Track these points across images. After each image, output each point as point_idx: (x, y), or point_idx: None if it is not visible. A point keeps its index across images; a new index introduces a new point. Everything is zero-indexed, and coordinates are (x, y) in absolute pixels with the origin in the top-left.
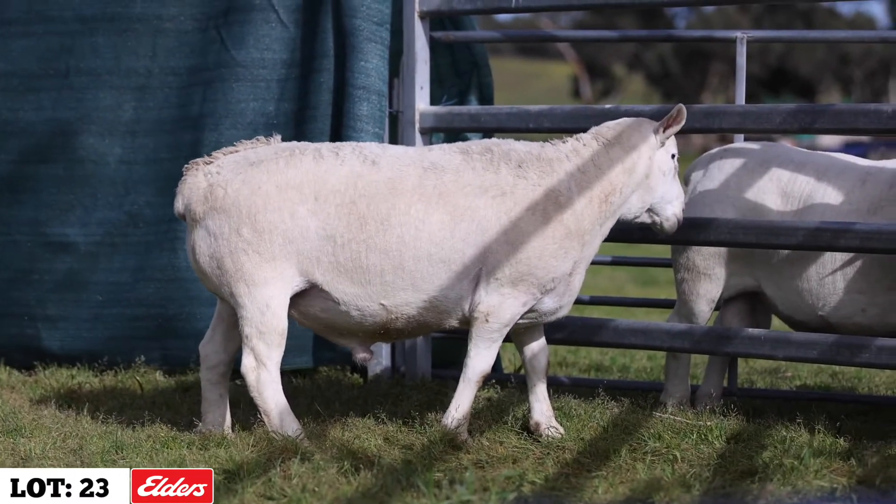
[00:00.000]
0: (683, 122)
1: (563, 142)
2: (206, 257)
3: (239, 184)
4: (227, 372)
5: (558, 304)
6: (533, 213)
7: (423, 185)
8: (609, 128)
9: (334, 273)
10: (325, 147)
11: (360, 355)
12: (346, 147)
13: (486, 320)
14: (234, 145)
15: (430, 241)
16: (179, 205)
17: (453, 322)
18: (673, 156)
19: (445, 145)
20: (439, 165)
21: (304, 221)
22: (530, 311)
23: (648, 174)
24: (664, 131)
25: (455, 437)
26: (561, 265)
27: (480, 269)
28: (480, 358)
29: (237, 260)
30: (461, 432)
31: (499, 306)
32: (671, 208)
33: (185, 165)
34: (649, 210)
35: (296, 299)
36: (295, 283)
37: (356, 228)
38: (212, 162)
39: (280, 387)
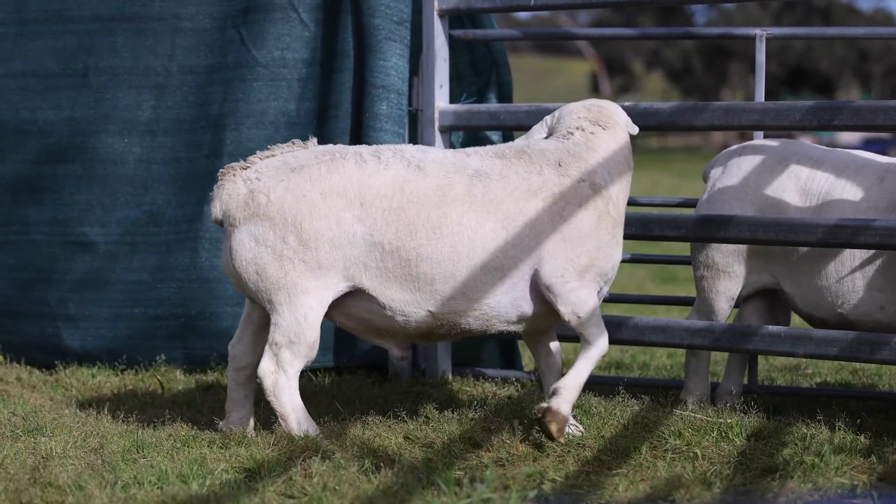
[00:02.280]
0: None
1: (571, 134)
2: (246, 262)
3: (282, 191)
4: (254, 374)
5: (603, 294)
6: (584, 209)
7: (472, 193)
8: (597, 112)
9: (382, 279)
10: (366, 150)
11: (398, 354)
12: (386, 150)
13: (579, 317)
14: (270, 149)
15: (484, 250)
16: (217, 210)
17: (500, 326)
18: None
19: (479, 149)
20: (483, 172)
21: (350, 228)
22: None
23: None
24: None
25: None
26: (616, 253)
27: (536, 272)
28: (600, 341)
29: (282, 268)
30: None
31: (579, 302)
32: None
33: (221, 170)
34: None
35: (339, 300)
36: (339, 289)
37: (406, 235)
38: (248, 167)
39: (297, 391)
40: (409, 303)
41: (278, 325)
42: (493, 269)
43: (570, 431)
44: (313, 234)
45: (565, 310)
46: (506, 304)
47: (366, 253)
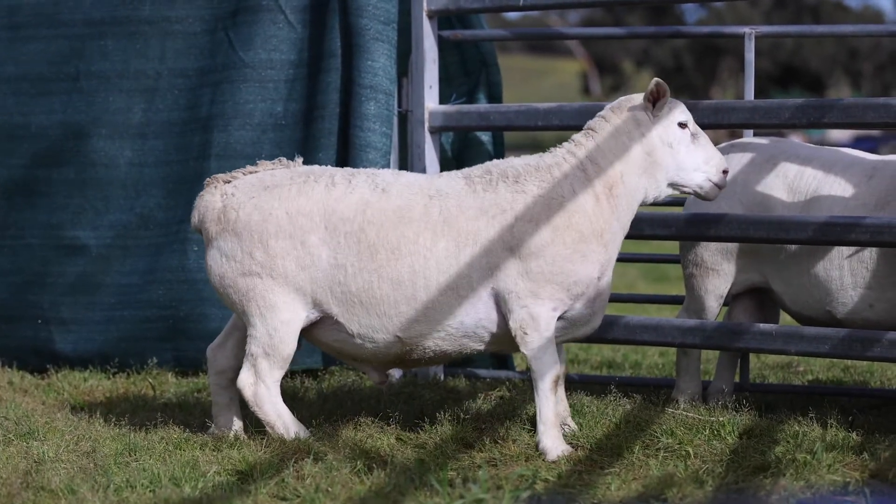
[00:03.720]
0: (667, 92)
1: (561, 146)
2: (218, 277)
3: (251, 208)
4: (235, 378)
5: (590, 311)
6: (535, 223)
7: (429, 212)
8: (596, 119)
9: (347, 304)
10: (340, 174)
11: (377, 380)
12: (360, 175)
13: (525, 334)
14: (256, 164)
15: (438, 269)
16: (195, 219)
17: (477, 347)
18: (682, 124)
19: (453, 172)
20: (444, 191)
21: (315, 250)
22: (562, 318)
23: (650, 152)
24: (652, 107)
25: (562, 454)
26: (581, 269)
27: (493, 290)
28: (541, 367)
29: (249, 282)
30: (557, 445)
31: (529, 319)
32: (698, 176)
33: (207, 179)
34: (672, 185)
35: (312, 328)
36: (309, 314)
37: (367, 258)
38: (230, 180)
39: (279, 398)
40: (375, 328)
41: (253, 337)
42: (449, 289)
43: (564, 431)
44: (280, 252)
45: (513, 325)
46: (470, 325)
47: (330, 276)
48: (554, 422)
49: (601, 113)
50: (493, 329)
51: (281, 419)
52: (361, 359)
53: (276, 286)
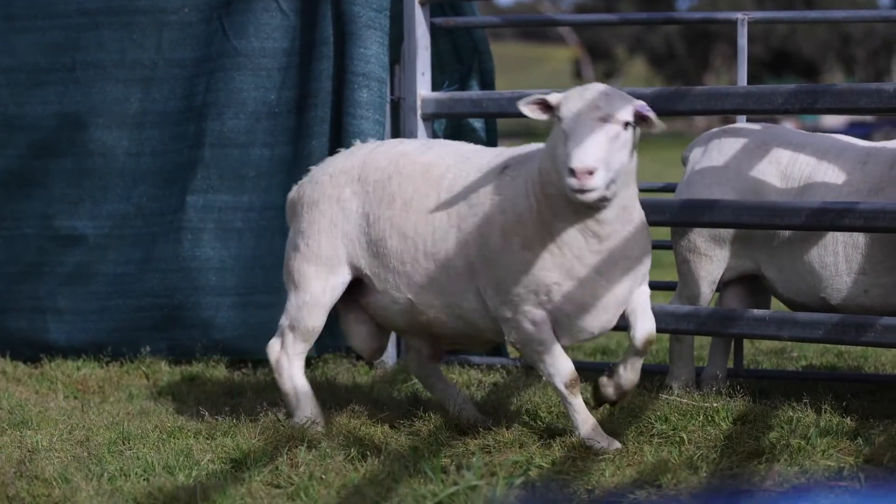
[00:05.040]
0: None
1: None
2: (284, 264)
3: (307, 185)
4: (421, 356)
5: (582, 313)
6: (491, 226)
7: (444, 176)
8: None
9: (368, 255)
10: (405, 140)
11: (426, 354)
12: (427, 141)
13: (519, 347)
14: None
15: (434, 238)
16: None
17: (491, 336)
18: (559, 119)
19: (501, 150)
20: (466, 163)
21: (347, 203)
22: (556, 323)
23: (555, 144)
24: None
25: (605, 445)
26: (544, 274)
27: (476, 288)
28: (549, 370)
29: (291, 255)
30: (599, 440)
31: (509, 322)
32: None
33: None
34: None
35: (355, 300)
36: (343, 278)
37: (385, 206)
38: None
39: (300, 371)
40: (391, 285)
41: (286, 309)
42: (440, 263)
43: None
44: (318, 216)
45: (506, 337)
46: (470, 310)
47: (357, 226)
48: (589, 424)
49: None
50: (492, 325)
51: (295, 393)
52: (398, 327)
53: (311, 254)
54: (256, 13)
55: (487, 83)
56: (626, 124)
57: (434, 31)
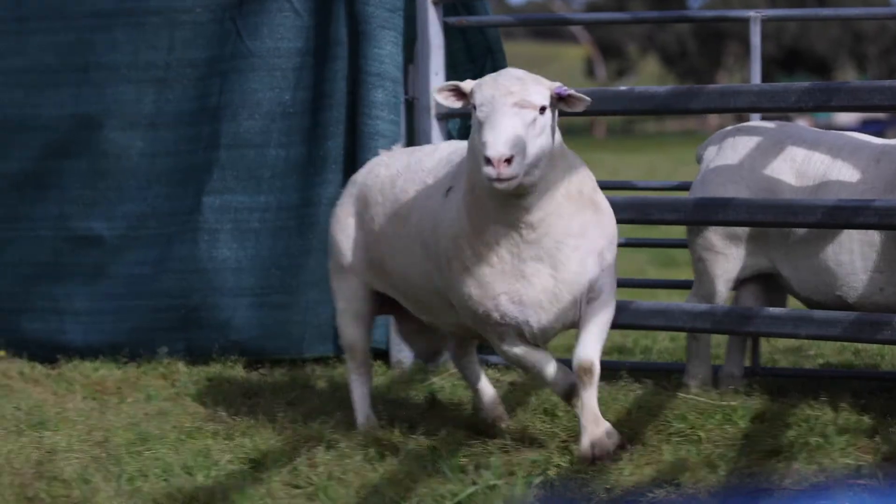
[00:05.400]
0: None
1: None
2: None
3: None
4: (462, 353)
5: (522, 313)
6: (440, 257)
7: (395, 183)
8: None
9: (383, 219)
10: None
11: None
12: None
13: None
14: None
15: (406, 253)
16: None
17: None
18: (474, 106)
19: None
20: (455, 169)
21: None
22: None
23: (473, 135)
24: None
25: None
26: (458, 287)
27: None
28: (528, 367)
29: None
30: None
31: (493, 345)
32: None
33: None
34: None
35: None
36: (374, 281)
37: (380, 220)
38: None
39: (357, 388)
40: (399, 291)
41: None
42: (414, 244)
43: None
44: (351, 224)
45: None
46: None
47: (367, 239)
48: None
49: None
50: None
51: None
52: (434, 324)
53: (344, 265)
54: (270, 14)
55: None
56: (543, 108)
57: (447, 30)
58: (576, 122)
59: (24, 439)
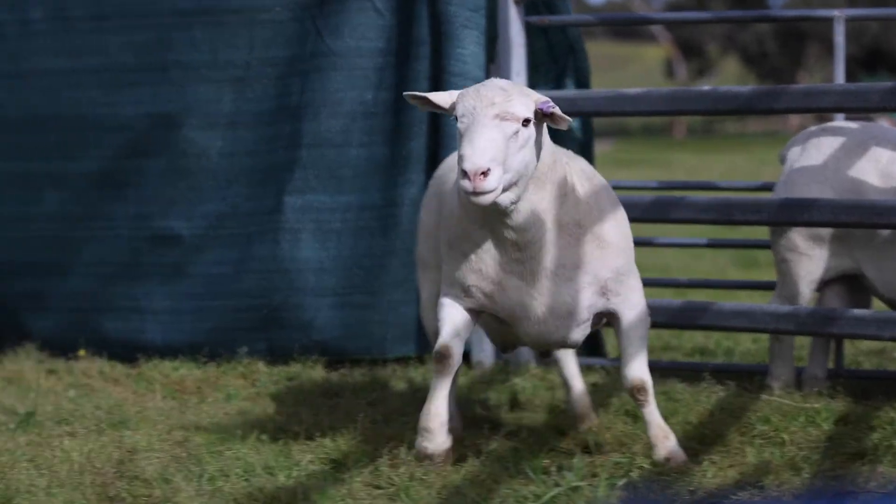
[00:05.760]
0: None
1: None
2: None
3: None
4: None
5: (511, 318)
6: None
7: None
8: None
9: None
10: None
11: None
12: None
13: None
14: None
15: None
16: None
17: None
18: (456, 118)
19: None
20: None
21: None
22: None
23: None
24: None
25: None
26: (457, 274)
27: None
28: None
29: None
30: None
31: None
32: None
33: None
34: None
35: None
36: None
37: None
38: None
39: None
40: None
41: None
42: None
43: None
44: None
45: None
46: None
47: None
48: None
49: None
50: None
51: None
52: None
53: (426, 258)
54: (351, 13)
55: (582, 82)
56: (527, 121)
57: (528, 29)
58: (654, 122)
59: (105, 438)
